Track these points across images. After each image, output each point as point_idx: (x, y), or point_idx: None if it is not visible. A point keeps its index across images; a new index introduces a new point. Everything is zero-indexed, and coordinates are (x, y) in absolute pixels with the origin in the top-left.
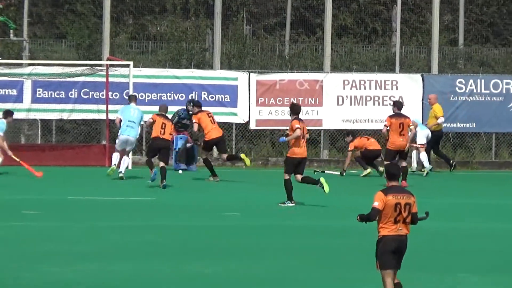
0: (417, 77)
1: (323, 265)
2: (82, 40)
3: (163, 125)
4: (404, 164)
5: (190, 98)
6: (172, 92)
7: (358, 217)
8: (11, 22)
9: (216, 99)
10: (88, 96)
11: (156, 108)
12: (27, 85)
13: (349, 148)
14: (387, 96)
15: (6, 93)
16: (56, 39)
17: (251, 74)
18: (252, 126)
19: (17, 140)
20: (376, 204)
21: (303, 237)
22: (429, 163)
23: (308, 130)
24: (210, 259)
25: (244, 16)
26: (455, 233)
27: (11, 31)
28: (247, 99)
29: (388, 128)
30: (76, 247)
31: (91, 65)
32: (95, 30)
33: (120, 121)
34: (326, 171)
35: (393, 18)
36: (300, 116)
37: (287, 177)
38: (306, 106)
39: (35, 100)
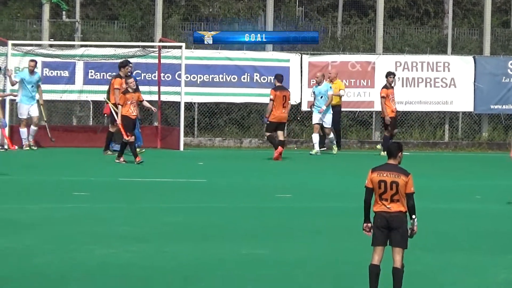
0: (469, 59)
1: None
2: (134, 21)
3: None
4: (281, 137)
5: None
6: (224, 74)
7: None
8: (63, 3)
9: (268, 81)
10: (140, 78)
11: (208, 90)
12: (79, 67)
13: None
14: (439, 78)
15: (58, 75)
16: (108, 21)
17: (303, 56)
18: (304, 107)
19: (69, 122)
20: (366, 182)
21: (356, 219)
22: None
23: (360, 112)
24: (263, 240)
25: None
26: None
27: (64, 12)
28: (299, 80)
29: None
30: (129, 229)
31: (143, 47)
32: (148, 11)
33: None
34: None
35: (445, 0)
36: (353, 97)
37: None
38: (358, 87)
39: (87, 81)
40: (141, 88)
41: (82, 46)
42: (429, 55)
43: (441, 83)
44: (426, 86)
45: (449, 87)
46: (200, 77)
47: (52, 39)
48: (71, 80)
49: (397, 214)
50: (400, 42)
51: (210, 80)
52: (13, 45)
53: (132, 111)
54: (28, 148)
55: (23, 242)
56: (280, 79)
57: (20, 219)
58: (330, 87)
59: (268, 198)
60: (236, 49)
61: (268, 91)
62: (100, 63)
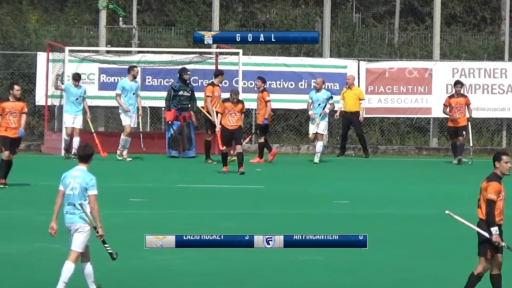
0: None
1: (433, 253)
2: (191, 27)
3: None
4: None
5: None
6: (281, 80)
7: None
8: (120, 9)
9: (326, 87)
10: (197, 84)
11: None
12: None
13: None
14: (496, 85)
15: (116, 81)
16: (165, 27)
17: (361, 62)
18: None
19: None
20: None
21: (413, 226)
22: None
23: (417, 118)
24: None
25: (353, 4)
26: None
27: (121, 18)
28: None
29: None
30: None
31: (200, 53)
32: (205, 17)
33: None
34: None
35: (502, 6)
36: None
37: None
38: (416, 94)
39: (144, 87)
40: (199, 94)
41: (139, 52)
42: (486, 61)
43: (498, 89)
44: (483, 92)
45: (506, 93)
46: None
47: (109, 45)
48: None
49: (479, 222)
50: (457, 48)
51: (268, 86)
52: (70, 51)
53: (229, 121)
54: (121, 158)
55: None
56: (264, 81)
57: None
58: (331, 97)
59: (326, 205)
60: (293, 55)
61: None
62: (157, 69)
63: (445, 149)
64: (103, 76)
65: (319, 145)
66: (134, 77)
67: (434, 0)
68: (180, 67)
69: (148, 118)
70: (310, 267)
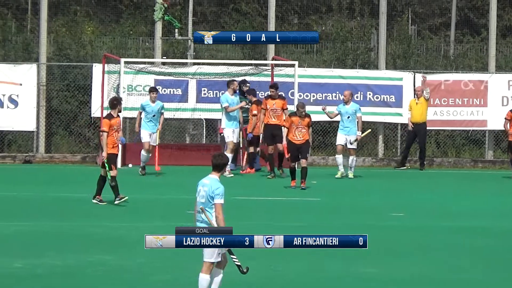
0: None
1: (492, 266)
2: None
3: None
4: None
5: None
6: (337, 92)
7: None
8: (176, 21)
9: (381, 99)
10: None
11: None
12: (192, 85)
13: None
14: None
15: (171, 93)
16: None
17: (416, 74)
18: None
19: (182, 140)
20: None
21: (470, 238)
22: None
23: (473, 130)
24: (375, 258)
25: (409, 16)
26: None
27: (176, 30)
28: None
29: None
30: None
31: (256, 65)
32: (260, 29)
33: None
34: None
35: None
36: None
37: None
38: (471, 106)
39: (200, 99)
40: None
41: (194, 64)
42: None
43: None
44: None
45: None
46: (313, 96)
47: (165, 57)
48: (184, 98)
49: None
50: None
51: (323, 98)
52: (126, 62)
53: (296, 136)
54: (232, 175)
55: (136, 260)
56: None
57: (131, 236)
58: (359, 108)
59: (382, 217)
60: (349, 67)
61: (381, 109)
62: (213, 81)
63: (501, 161)
64: (158, 88)
65: (351, 160)
66: (234, 91)
67: (490, 12)
68: (236, 79)
69: (204, 130)
70: (367, 279)
